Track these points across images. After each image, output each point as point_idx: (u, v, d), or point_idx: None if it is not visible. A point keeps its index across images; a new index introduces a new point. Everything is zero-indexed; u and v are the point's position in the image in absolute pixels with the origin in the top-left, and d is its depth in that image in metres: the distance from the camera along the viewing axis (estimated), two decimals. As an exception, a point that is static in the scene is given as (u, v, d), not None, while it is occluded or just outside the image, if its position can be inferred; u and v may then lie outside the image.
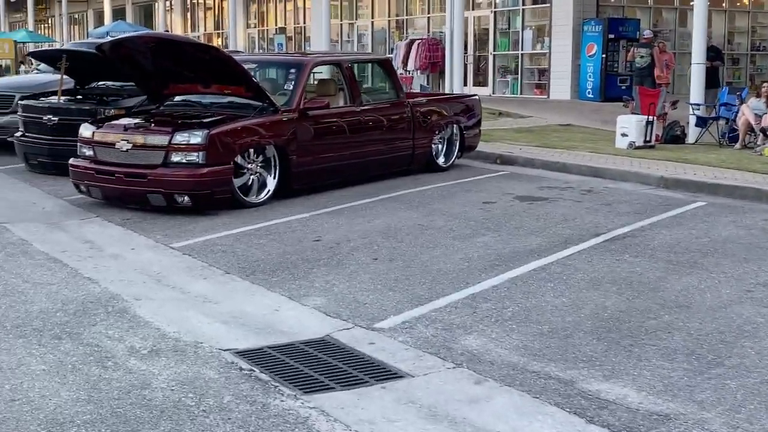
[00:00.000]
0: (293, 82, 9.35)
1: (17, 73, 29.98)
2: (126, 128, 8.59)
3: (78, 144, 8.94)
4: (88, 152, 8.78)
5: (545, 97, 20.97)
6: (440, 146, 11.21)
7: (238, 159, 8.54)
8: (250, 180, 8.76)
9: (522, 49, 21.91)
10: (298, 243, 7.21)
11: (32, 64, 44.25)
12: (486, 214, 8.31)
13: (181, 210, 8.38)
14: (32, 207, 8.87)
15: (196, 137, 8.24)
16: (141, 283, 6.03)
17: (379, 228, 7.77)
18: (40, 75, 13.80)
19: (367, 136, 9.95)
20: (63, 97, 11.00)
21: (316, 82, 10.23)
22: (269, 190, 8.92)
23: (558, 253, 6.72)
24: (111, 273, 6.27)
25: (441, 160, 11.19)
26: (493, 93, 22.28)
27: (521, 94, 21.80)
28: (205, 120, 8.70)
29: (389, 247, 7.04)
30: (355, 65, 10.04)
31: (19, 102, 11.18)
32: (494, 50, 22.69)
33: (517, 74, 22.17)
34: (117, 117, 9.47)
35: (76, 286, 5.87)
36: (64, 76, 11.44)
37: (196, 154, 8.21)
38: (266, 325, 5.12)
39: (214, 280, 6.09)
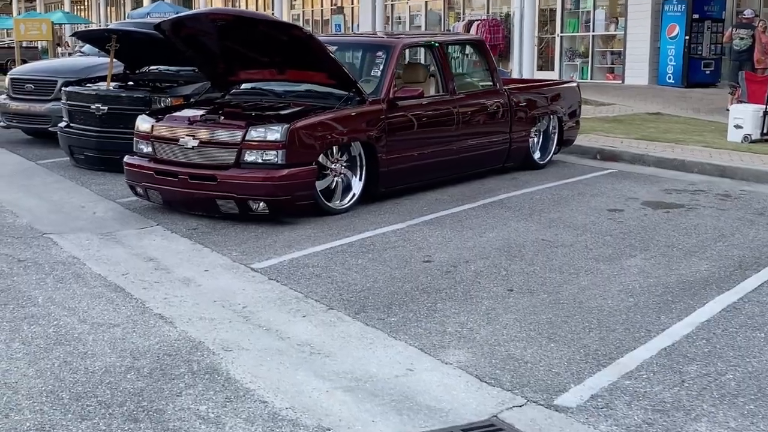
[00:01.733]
0: (381, 68, 8.02)
1: (55, 55, 29.02)
2: (191, 121, 7.34)
3: (134, 139, 7.72)
4: (147, 149, 7.56)
5: (619, 82, 19.44)
6: (535, 140, 9.86)
7: (321, 158, 7.29)
8: (334, 182, 7.49)
9: (593, 31, 20.39)
10: (406, 264, 5.93)
11: (68, 45, 43.47)
12: (619, 227, 6.95)
13: (255, 218, 7.13)
14: (81, 212, 7.68)
15: (274, 132, 6.97)
16: (226, 322, 4.78)
17: (497, 244, 6.46)
18: (84, 58, 12.61)
19: (461, 130, 8.61)
20: (112, 84, 9.79)
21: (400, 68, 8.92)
22: (354, 194, 7.63)
23: (741, 284, 5.35)
24: (186, 307, 5.03)
25: (537, 156, 9.83)
26: (560, 78, 20.80)
27: (591, 78, 20.29)
28: (282, 112, 7.43)
29: (520, 271, 5.73)
30: (448, 47, 8.72)
31: (63, 89, 9.99)
32: (561, 32, 21.18)
33: (587, 57, 20.65)
34: (177, 107, 8.24)
35: (147, 328, 4.63)
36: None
37: (274, 152, 6.94)
38: (403, 395, 3.83)
39: (316, 320, 4.83)
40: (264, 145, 6.96)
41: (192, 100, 9.30)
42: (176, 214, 7.43)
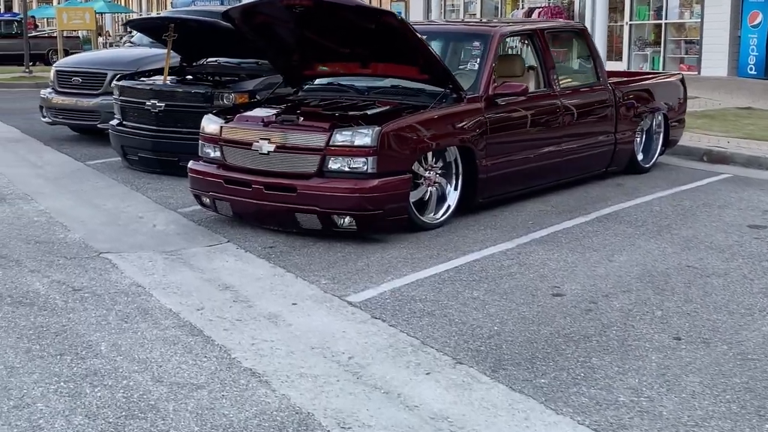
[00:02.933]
0: (479, 60, 7.01)
1: (97, 46, 28.35)
2: (265, 123, 6.39)
3: (200, 142, 6.81)
4: (214, 153, 6.63)
5: (695, 73, 18.16)
6: (638, 140, 8.78)
7: (415, 166, 6.32)
8: (428, 193, 6.52)
9: (666, 18, 19.13)
10: (533, 299, 4.94)
11: (109, 35, 42.92)
12: (772, 249, 5.91)
13: (339, 235, 6.19)
14: (139, 224, 6.78)
15: (364, 136, 6.00)
16: (334, 380, 3.83)
17: (634, 272, 5.43)
18: (135, 49, 11.75)
19: (564, 130, 7.57)
20: (169, 78, 8.90)
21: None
22: (449, 206, 6.65)
23: None
24: (280, 357, 4.08)
25: (640, 158, 8.76)
26: (629, 68, 19.58)
27: (664, 69, 19.03)
28: (369, 112, 6.46)
29: (677, 311, 4.70)
30: (548, 36, 7.69)
31: (115, 83, 9.12)
32: (630, 19, 19.94)
33: (659, 47, 19.40)
34: (246, 106, 7.30)
35: (239, 391, 3.69)
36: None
37: (363, 159, 5.98)
38: (596, 505, 2.87)
39: (445, 379, 3.85)
40: (351, 151, 6.00)
41: (257, 96, 8.39)
42: (248, 228, 6.50)
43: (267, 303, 4.90)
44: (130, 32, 42.38)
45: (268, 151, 6.21)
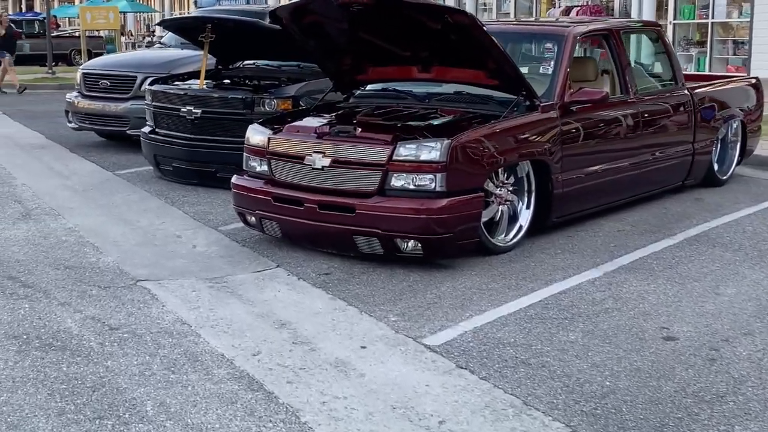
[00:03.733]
0: (552, 64, 6.32)
1: (123, 46, 27.86)
2: (319, 134, 5.75)
3: (244, 154, 6.17)
4: (261, 167, 5.99)
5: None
6: (713, 149, 8.07)
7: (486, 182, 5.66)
8: (499, 212, 5.86)
9: (713, 17, 18.34)
10: (641, 344, 4.24)
11: (132, 35, 42.49)
12: None
13: (401, 260, 5.54)
14: (177, 244, 6.16)
15: (431, 150, 5.33)
16: (428, 458, 3.19)
17: (748, 308, 4.72)
18: (165, 50, 11.13)
19: (643, 140, 6.86)
20: (205, 82, 8.27)
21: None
22: (521, 226, 5.96)
23: None
24: (358, 422, 3.40)
25: (715, 169, 8.04)
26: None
27: (710, 70, 18.24)
28: (434, 122, 5.80)
29: (816, 360, 4.03)
30: (623, 36, 6.98)
31: (147, 87, 8.51)
32: (675, 18, 19.16)
33: (705, 47, 18.61)
34: (294, 114, 6.65)
35: (316, 472, 3.07)
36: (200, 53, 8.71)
37: (430, 176, 5.31)
38: None
39: (564, 455, 3.21)
40: (417, 167, 5.34)
41: (301, 102, 7.75)
42: (298, 251, 5.85)
43: (332, 345, 4.25)
44: (153, 32, 41.87)
45: (323, 166, 5.56)
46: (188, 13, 37.33)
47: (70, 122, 10.45)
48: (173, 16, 9.51)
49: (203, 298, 4.94)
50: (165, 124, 8.15)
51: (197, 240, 6.27)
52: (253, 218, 6.01)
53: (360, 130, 5.66)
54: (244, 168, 6.14)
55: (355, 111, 6.36)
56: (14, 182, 8.25)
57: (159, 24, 9.65)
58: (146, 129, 8.41)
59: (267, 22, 8.11)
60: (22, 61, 26.84)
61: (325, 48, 6.57)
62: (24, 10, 54.42)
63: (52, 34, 27.26)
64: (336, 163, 5.53)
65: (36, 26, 29.98)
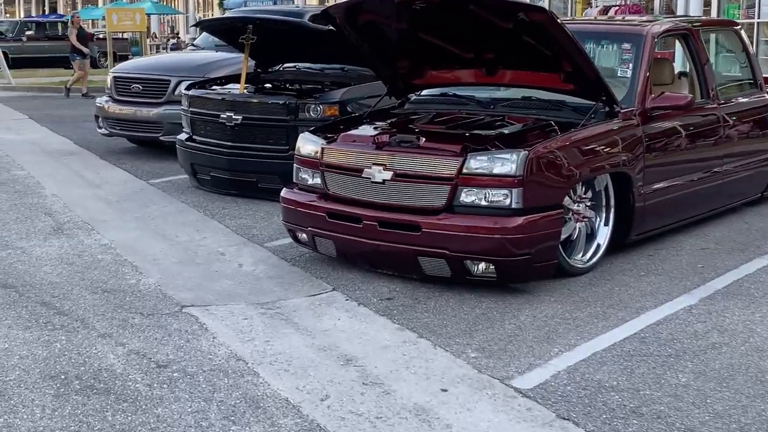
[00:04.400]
0: (631, 66, 5.78)
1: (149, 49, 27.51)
2: (378, 143, 5.24)
3: (295, 165, 5.68)
4: (313, 180, 5.49)
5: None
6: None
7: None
8: (576, 230, 5.32)
9: (759, 17, 17.68)
10: (764, 388, 3.70)
11: (156, 37, 42.15)
12: None
13: (471, 283, 5.01)
14: (222, 262, 5.68)
15: (506, 162, 4.80)
16: None
17: None
18: (199, 53, 10.66)
19: (724, 148, 6.30)
20: (245, 86, 7.78)
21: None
22: (599, 245, 5.42)
23: None
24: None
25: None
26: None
27: (756, 71, 17.61)
28: (505, 131, 5.27)
29: None
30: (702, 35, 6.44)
31: (184, 92, 8.04)
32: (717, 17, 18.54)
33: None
34: (347, 122, 6.14)
35: None
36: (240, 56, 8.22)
37: (505, 191, 4.79)
38: None
39: None
40: (490, 181, 4.81)
41: (348, 108, 7.25)
42: (354, 272, 5.35)
43: (408, 388, 3.74)
44: (177, 34, 41.59)
45: (383, 180, 5.05)
46: (214, 14, 37.05)
47: (100, 128, 10.01)
48: (210, 17, 8.98)
49: (257, 328, 4.45)
50: (203, 131, 7.67)
51: (243, 258, 5.79)
52: (305, 235, 5.51)
53: (424, 139, 5.14)
54: (294, 180, 5.66)
55: (413, 118, 5.84)
56: (43, 192, 7.81)
57: (195, 25, 9.19)
58: (182, 136, 7.94)
59: (309, 21, 7.66)
60: (45, 63, 26.60)
61: (380, 50, 6.05)
62: (47, 12, 54.40)
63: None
64: (398, 176, 5.01)
65: (59, 28, 29.65)
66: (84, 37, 18.60)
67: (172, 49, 29.82)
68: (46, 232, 6.36)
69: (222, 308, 4.77)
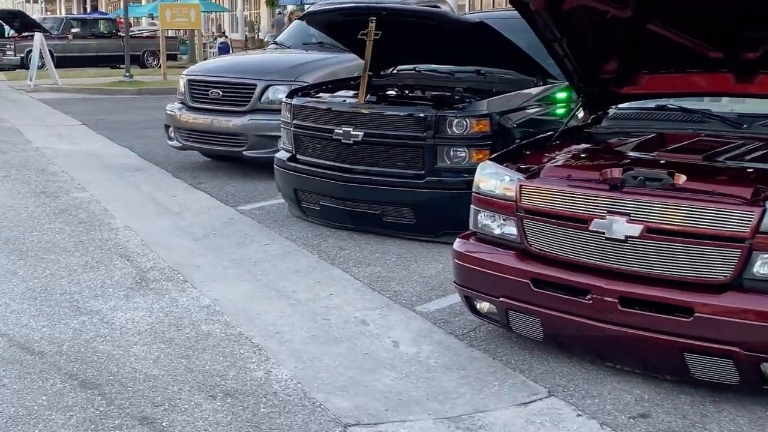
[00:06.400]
0: None
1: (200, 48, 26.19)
2: (610, 182, 3.67)
3: (472, 207, 4.12)
4: (503, 229, 3.90)
5: None
6: None
7: None
8: None
9: None
10: None
11: (204, 35, 40.81)
12: None
13: (765, 393, 3.45)
14: (369, 338, 4.10)
15: (832, 217, 3.24)
16: None
17: None
18: (287, 53, 9.14)
19: None
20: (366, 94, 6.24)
21: None
22: None
23: None
24: None
25: None
26: None
27: None
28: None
29: None
30: None
31: (286, 100, 6.49)
32: None
33: None
34: (533, 147, 4.56)
35: None
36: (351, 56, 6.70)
37: (830, 261, 3.22)
38: None
39: None
40: (803, 244, 3.24)
41: (500, 121, 5.70)
42: (566, 362, 3.78)
43: None
44: (224, 32, 40.34)
45: (626, 237, 3.48)
46: (260, 13, 35.62)
47: (171, 139, 8.51)
48: (320, 7, 7.48)
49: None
50: (311, 150, 6.14)
51: (394, 331, 4.24)
52: (492, 307, 3.94)
53: (684, 178, 3.57)
54: (474, 226, 4.11)
55: (629, 141, 4.26)
56: (114, 223, 6.34)
57: (303, 18, 7.66)
58: (282, 155, 6.42)
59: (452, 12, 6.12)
60: (91, 62, 25.38)
61: (580, 49, 4.47)
62: (89, 10, 53.53)
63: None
64: (650, 231, 3.44)
65: (100, 26, 28.42)
66: None
67: (219, 49, 28.51)
68: (126, 286, 4.87)
69: (400, 428, 3.24)
